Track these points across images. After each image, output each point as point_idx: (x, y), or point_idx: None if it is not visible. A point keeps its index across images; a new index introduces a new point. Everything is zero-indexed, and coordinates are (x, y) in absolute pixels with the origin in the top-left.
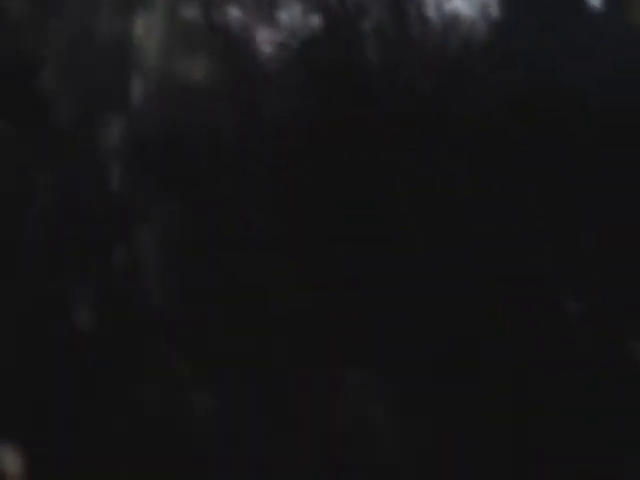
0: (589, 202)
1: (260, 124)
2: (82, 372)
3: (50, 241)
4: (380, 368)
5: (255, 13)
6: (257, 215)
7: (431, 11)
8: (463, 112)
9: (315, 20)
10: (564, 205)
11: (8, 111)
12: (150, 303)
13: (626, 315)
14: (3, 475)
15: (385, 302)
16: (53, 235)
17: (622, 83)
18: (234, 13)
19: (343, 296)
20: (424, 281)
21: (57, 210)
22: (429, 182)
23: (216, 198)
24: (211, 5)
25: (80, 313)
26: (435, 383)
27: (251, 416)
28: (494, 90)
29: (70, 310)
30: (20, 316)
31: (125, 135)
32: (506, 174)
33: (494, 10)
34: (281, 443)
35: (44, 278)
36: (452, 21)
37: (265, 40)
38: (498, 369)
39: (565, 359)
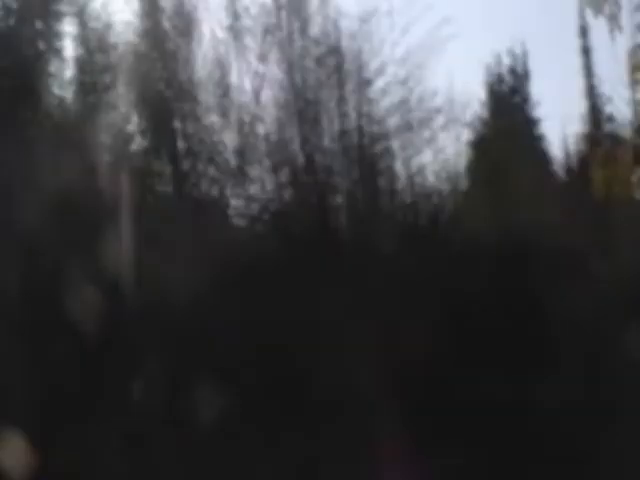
0: None
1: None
2: None
3: None
4: None
5: (229, 187)
6: None
7: (402, 184)
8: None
9: (287, 193)
10: None
11: None
12: None
13: None
14: None
15: None
16: None
17: None
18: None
19: None
20: None
21: None
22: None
23: None
24: (185, 179)
25: None
26: None
27: None
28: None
29: None
30: None
31: None
32: None
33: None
34: None
35: None
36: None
37: (238, 212)
38: None
39: None
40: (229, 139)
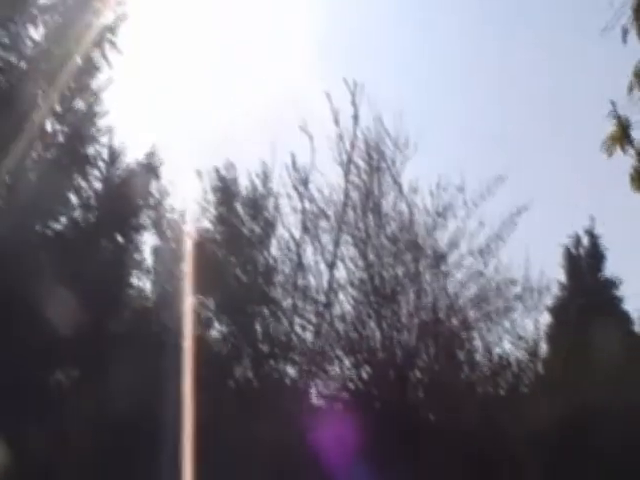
0: None
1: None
2: None
3: None
4: None
5: (308, 367)
6: None
7: (480, 355)
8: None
9: (364, 370)
10: None
11: None
12: None
13: None
14: None
15: None
16: None
17: None
18: (288, 369)
19: None
20: None
21: None
22: None
23: None
24: (264, 362)
25: None
26: None
27: None
28: None
29: None
30: None
31: None
32: None
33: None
34: None
35: None
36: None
37: (318, 392)
38: None
39: None
40: (306, 320)
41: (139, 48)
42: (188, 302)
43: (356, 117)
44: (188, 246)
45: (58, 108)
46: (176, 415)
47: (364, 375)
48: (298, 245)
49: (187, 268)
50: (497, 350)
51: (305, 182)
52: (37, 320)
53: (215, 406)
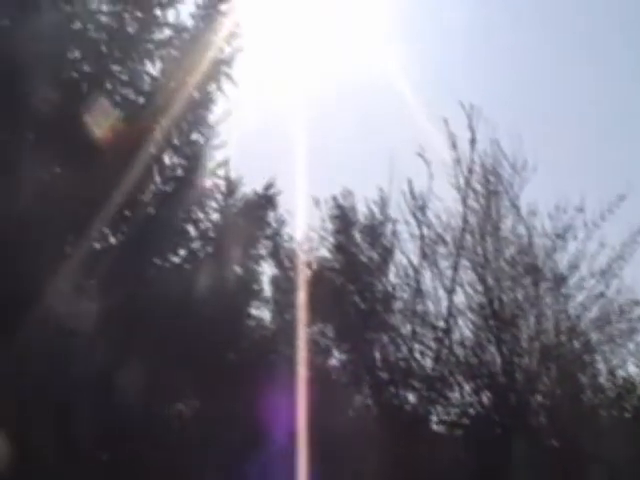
0: None
1: None
2: None
3: None
4: None
5: (428, 393)
6: None
7: (604, 378)
8: None
9: (485, 395)
10: None
11: None
12: None
13: None
14: None
15: None
16: None
17: None
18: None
19: None
20: None
21: None
22: None
23: None
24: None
25: None
26: None
27: None
28: None
29: None
30: None
31: None
32: None
33: None
34: None
35: None
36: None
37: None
38: None
39: None
40: (425, 346)
41: (255, 79)
42: (306, 331)
43: (473, 141)
44: (306, 275)
45: (175, 141)
46: (293, 444)
47: (485, 400)
48: (417, 271)
49: (305, 297)
50: (621, 373)
51: (423, 208)
52: (160, 352)
53: (334, 434)
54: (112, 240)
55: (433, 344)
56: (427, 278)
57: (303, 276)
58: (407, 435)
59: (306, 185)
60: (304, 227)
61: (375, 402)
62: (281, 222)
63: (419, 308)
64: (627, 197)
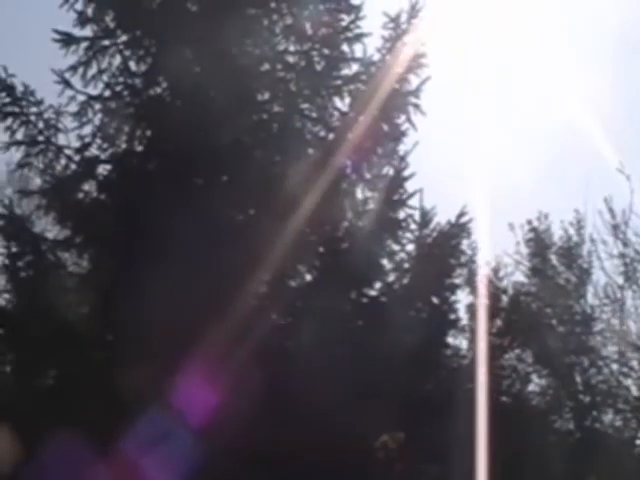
0: None
1: None
2: None
3: None
4: None
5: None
6: None
7: None
8: None
9: None
10: None
11: None
12: None
13: None
14: None
15: None
16: None
17: None
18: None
19: None
20: None
21: None
22: None
23: None
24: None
25: None
26: None
27: None
28: None
29: None
30: None
31: None
32: None
33: None
34: None
35: None
36: None
37: None
38: None
39: None
40: (628, 367)
41: (443, 107)
42: (504, 357)
43: None
44: (502, 301)
45: (367, 175)
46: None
47: None
48: (619, 290)
49: (502, 323)
50: None
51: (622, 225)
52: (362, 383)
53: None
54: (307, 277)
55: (637, 365)
56: (628, 297)
57: (500, 302)
58: (610, 459)
59: (500, 210)
60: (498, 253)
61: (577, 426)
62: (475, 249)
63: (622, 328)
64: None
